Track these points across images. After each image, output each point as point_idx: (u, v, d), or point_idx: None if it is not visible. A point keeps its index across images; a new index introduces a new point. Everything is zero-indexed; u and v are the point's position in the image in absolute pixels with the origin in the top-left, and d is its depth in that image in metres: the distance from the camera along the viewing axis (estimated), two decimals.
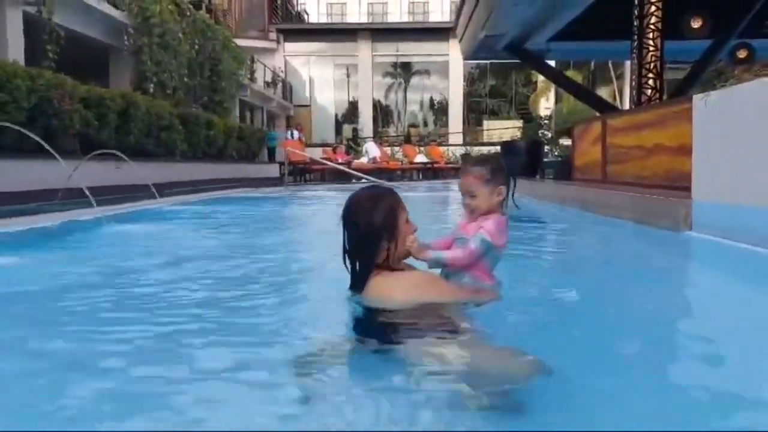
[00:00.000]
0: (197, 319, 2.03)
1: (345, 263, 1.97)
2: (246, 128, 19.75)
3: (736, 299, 2.50)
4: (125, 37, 13.62)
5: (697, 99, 4.14)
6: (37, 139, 5.21)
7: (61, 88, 9.12)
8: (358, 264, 1.94)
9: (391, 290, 1.87)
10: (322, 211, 8.51)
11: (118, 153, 7.51)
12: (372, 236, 1.91)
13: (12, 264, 3.13)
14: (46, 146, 5.04)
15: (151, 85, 14.03)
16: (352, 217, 1.94)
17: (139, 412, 1.28)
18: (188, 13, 16.16)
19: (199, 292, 2.50)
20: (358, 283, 1.94)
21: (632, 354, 1.70)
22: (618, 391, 1.40)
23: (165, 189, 9.93)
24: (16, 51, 10.39)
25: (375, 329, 1.76)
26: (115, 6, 13.40)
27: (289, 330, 1.89)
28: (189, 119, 14.34)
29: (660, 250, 3.88)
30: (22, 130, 5.45)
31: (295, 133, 22.12)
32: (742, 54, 10.41)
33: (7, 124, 6.19)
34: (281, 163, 18.18)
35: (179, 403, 1.32)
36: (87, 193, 5.15)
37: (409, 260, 2.06)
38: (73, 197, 6.41)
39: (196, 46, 16.30)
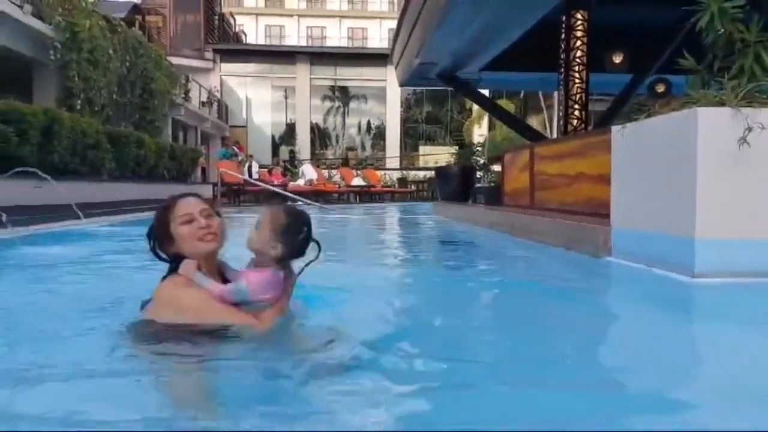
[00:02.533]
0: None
1: None
2: (178, 148, 19.29)
3: (644, 321, 2.61)
4: (52, 52, 13.13)
5: (615, 130, 4.34)
6: None
7: None
8: None
9: None
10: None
11: (38, 171, 7.18)
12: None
13: None
14: None
15: (78, 102, 13.55)
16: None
17: None
18: (119, 30, 15.76)
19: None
20: None
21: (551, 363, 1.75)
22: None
23: (90, 209, 9.54)
24: None
25: None
26: (42, 20, 12.92)
27: None
28: (118, 138, 13.90)
29: (578, 275, 4.01)
30: None
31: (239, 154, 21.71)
32: (660, 88, 11.01)
33: None
34: (214, 184, 17.83)
35: None
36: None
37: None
38: None
39: (127, 64, 15.89)
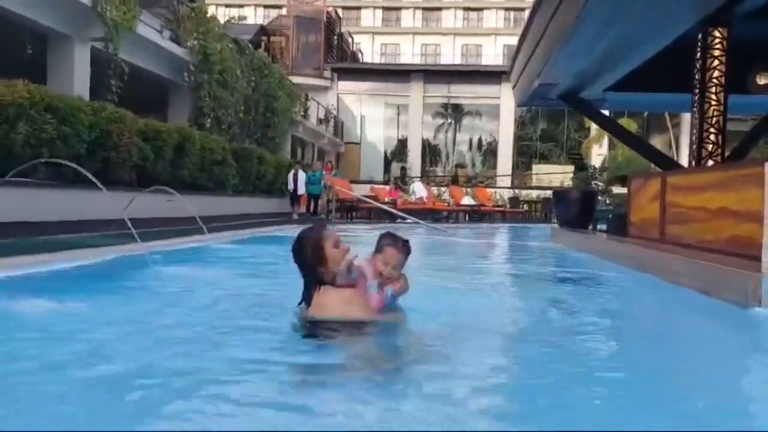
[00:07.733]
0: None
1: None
2: (295, 164, 20.02)
3: None
4: (186, 74, 14.08)
5: None
6: (89, 175, 5.32)
7: (121, 122, 9.41)
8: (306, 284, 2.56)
9: (327, 305, 2.48)
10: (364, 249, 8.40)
11: (169, 189, 7.64)
12: (306, 267, 2.52)
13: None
14: (96, 182, 5.14)
15: (208, 121, 14.41)
16: (294, 255, 2.56)
17: None
18: (247, 52, 16.65)
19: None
20: (307, 299, 2.56)
21: None
22: None
23: (214, 222, 10.04)
24: (81, 86, 10.83)
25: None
26: (178, 43, 13.90)
27: None
28: (242, 154, 14.62)
29: (723, 327, 3.61)
30: (75, 166, 5.56)
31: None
32: None
33: (62, 161, 6.37)
34: (328, 200, 18.29)
35: None
36: (131, 228, 5.23)
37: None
38: (126, 228, 6.52)
39: (253, 84, 16.74)
